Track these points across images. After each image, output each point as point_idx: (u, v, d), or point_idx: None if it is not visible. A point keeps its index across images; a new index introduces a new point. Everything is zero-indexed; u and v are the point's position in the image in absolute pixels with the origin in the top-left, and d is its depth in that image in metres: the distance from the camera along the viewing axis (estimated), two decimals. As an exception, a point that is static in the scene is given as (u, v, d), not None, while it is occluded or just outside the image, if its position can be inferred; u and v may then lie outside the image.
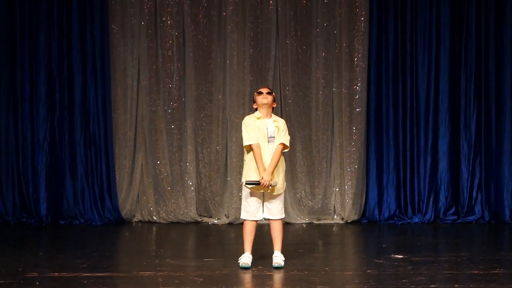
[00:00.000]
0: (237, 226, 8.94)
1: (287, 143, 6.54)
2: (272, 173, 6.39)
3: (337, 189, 9.57)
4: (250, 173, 6.44)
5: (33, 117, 9.43)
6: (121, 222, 9.43)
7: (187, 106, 9.52)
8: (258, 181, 6.34)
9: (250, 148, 6.46)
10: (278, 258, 6.47)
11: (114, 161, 9.45)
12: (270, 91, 6.59)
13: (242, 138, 6.54)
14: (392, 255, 7.07)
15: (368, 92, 9.56)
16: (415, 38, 9.53)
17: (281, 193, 6.53)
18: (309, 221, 9.50)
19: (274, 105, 6.63)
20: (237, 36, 9.44)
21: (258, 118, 6.51)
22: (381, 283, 5.86)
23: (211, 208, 9.61)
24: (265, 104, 6.50)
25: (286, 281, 6.05)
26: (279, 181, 6.47)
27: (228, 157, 9.47)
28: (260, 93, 6.53)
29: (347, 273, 6.41)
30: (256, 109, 6.59)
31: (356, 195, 9.51)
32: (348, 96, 9.52)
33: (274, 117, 6.60)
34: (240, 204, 6.81)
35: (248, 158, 6.50)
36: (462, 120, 9.58)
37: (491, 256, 7.05)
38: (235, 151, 9.36)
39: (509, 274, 6.22)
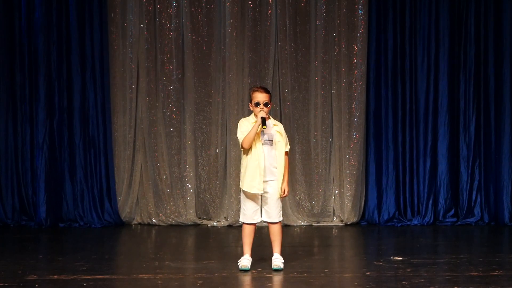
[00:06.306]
0: (237, 228, 8.94)
1: (288, 149, 6.60)
2: (285, 180, 6.46)
3: (336, 191, 9.57)
4: (244, 177, 6.44)
5: (33, 120, 9.43)
6: (120, 224, 9.43)
7: (186, 108, 9.52)
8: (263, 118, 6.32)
9: (246, 150, 6.45)
10: (277, 261, 6.47)
11: (113, 164, 9.45)
12: (267, 101, 6.43)
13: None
14: (392, 257, 7.07)
15: (367, 94, 9.56)
16: (414, 40, 9.54)
17: (283, 196, 6.55)
18: (308, 224, 9.51)
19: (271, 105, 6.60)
20: (236, 39, 9.44)
21: (253, 123, 6.49)
22: (380, 285, 5.86)
23: (211, 211, 9.61)
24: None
25: (285, 283, 6.05)
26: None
27: (227, 159, 9.47)
28: (258, 104, 6.41)
29: (347, 275, 6.41)
30: (252, 111, 6.54)
31: (356, 197, 9.51)
32: (347, 98, 9.53)
33: (273, 120, 6.57)
34: (239, 207, 6.81)
35: (245, 161, 6.49)
36: (461, 122, 9.58)
37: (491, 258, 7.05)
38: (234, 153, 9.35)
39: (508, 276, 6.21)
